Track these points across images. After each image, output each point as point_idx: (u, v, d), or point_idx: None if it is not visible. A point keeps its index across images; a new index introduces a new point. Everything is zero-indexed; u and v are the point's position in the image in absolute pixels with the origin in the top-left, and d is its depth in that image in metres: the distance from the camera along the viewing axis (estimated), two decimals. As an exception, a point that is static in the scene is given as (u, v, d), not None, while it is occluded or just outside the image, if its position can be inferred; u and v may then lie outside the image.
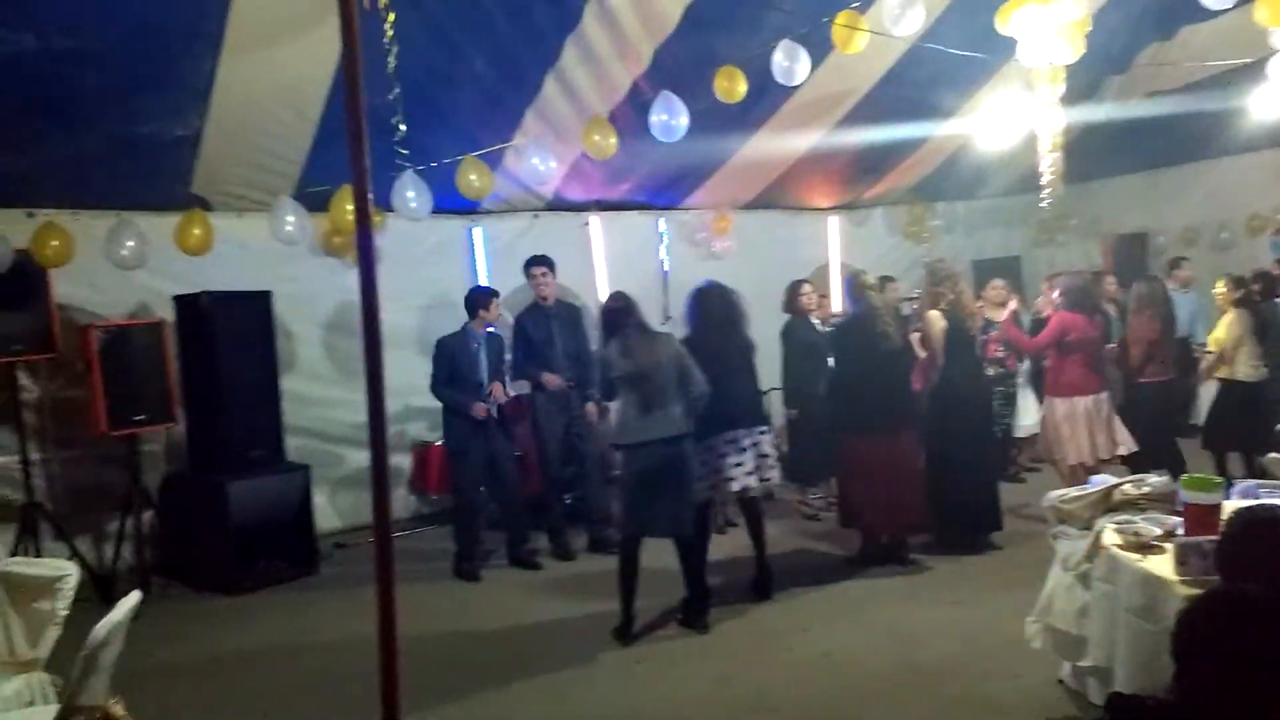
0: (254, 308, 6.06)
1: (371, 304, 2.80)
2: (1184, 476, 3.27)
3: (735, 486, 5.08)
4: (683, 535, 4.84)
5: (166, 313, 6.16)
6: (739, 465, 5.05)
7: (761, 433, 5.20)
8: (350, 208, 5.46)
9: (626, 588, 4.79)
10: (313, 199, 5.78)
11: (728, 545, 6.06)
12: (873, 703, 3.98)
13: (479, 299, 6.12)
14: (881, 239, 10.02)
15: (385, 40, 4.23)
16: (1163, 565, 3.05)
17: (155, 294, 6.25)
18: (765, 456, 5.18)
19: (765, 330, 7.60)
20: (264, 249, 6.15)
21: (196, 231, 5.53)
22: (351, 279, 6.83)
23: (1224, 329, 6.49)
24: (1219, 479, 3.23)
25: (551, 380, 6.22)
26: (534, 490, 6.79)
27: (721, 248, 8.84)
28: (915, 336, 6.24)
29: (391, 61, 4.27)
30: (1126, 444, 5.95)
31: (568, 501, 6.65)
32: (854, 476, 5.71)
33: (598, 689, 4.28)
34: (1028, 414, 7.43)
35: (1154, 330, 6.25)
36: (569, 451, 6.52)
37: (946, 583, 5.40)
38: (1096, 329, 6.16)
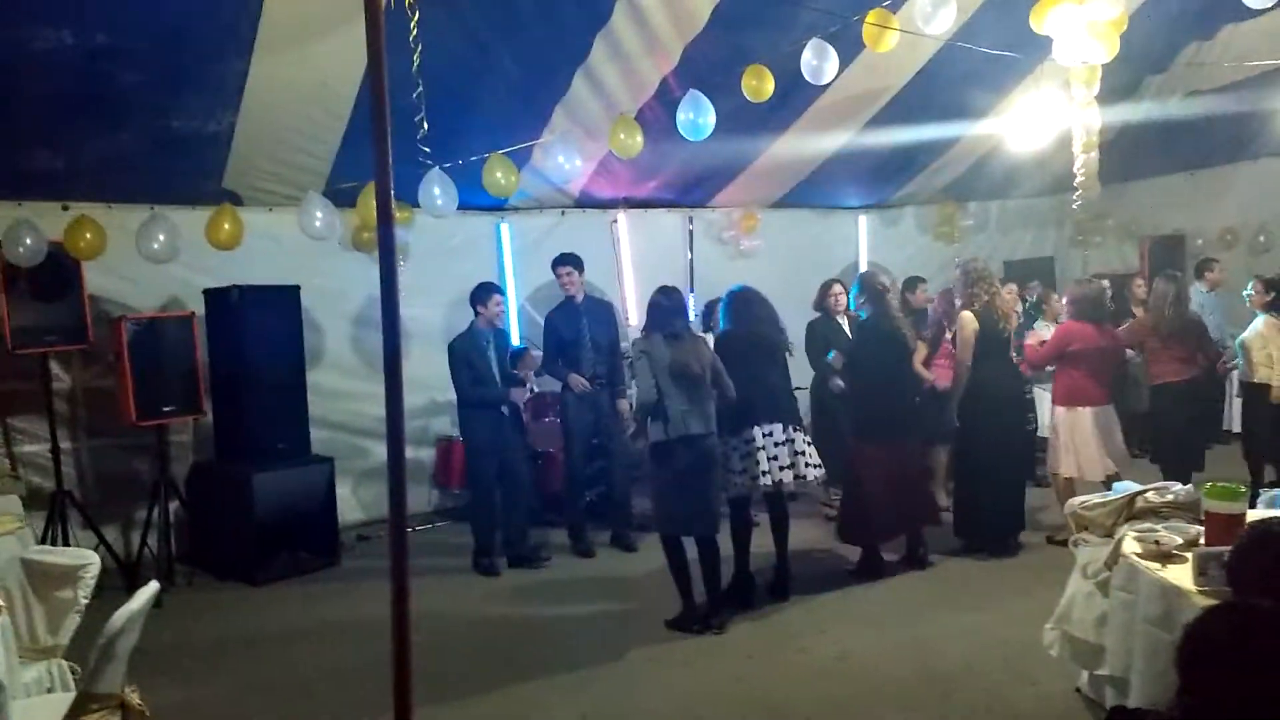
0: (282, 301, 6.14)
1: (391, 302, 2.85)
2: (1207, 485, 3.21)
3: (768, 480, 5.05)
4: (713, 534, 4.85)
5: (197, 306, 6.26)
6: (773, 459, 5.04)
7: (796, 429, 5.19)
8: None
9: (682, 578, 4.86)
10: (341, 195, 5.85)
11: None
12: (887, 707, 3.95)
13: (480, 295, 6.09)
14: (912, 238, 9.92)
15: (410, 39, 4.26)
16: (1182, 575, 2.99)
17: (186, 287, 6.36)
18: (801, 453, 5.15)
19: (793, 330, 7.61)
20: (294, 244, 6.21)
21: (227, 226, 5.60)
22: (379, 274, 6.87)
23: (1252, 333, 6.35)
24: (1242, 488, 3.16)
25: (577, 382, 6.23)
26: (556, 487, 6.84)
27: (749, 246, 8.81)
28: (928, 339, 6.23)
29: (416, 60, 4.29)
30: (1107, 466, 5.81)
31: (589, 499, 6.67)
32: (861, 484, 5.60)
33: (613, 686, 4.28)
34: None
35: (1146, 330, 6.23)
36: (595, 448, 6.55)
37: (967, 587, 5.35)
38: (1107, 338, 6.04)
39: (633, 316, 8.10)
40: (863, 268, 9.18)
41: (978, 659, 4.34)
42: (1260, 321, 6.34)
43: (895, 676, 4.23)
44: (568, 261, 6.42)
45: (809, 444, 5.22)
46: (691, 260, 8.69)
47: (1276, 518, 2.66)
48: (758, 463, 5.00)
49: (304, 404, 6.26)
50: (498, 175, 5.32)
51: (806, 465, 5.14)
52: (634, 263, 8.28)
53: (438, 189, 5.17)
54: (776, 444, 5.06)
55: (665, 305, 4.94)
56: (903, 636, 4.68)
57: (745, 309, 5.25)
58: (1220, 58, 7.67)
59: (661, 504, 4.89)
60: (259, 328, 6.01)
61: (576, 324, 6.37)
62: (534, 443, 6.98)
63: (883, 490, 5.50)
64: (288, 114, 5.81)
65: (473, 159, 5.40)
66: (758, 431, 5.04)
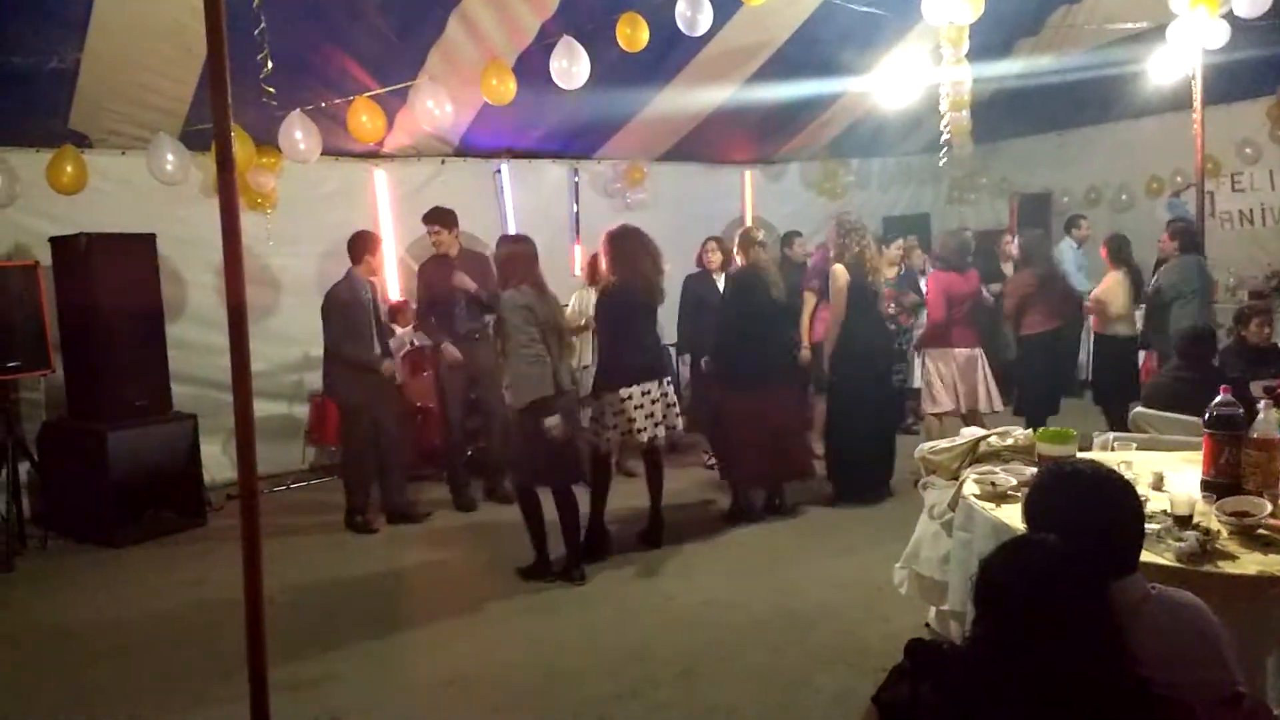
0: (136, 250, 5.81)
1: (235, 252, 2.73)
2: (1040, 430, 3.37)
3: (645, 437, 5.12)
4: (568, 486, 4.87)
5: (44, 255, 5.88)
6: (650, 416, 5.09)
7: (669, 382, 5.28)
8: (237, 147, 5.27)
9: (537, 528, 4.85)
10: (199, 138, 5.55)
11: (625, 494, 6.09)
12: (746, 646, 4.05)
13: (366, 244, 5.84)
14: (797, 194, 10.06)
15: (259, -29, 4.05)
16: (1014, 515, 3.13)
17: (32, 234, 5.98)
18: (672, 406, 5.25)
19: (679, 282, 7.66)
20: (150, 190, 5.89)
21: (69, 169, 5.28)
22: (245, 222, 6.57)
23: (1104, 289, 6.69)
24: (1072, 431, 3.33)
25: (450, 354, 6.09)
26: (434, 442, 6.74)
27: (635, 199, 8.78)
28: (816, 290, 6.34)
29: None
30: (994, 401, 6.14)
31: (469, 454, 6.60)
32: (731, 430, 5.75)
33: (477, 638, 4.28)
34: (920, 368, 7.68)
35: (1030, 284, 6.46)
36: (473, 403, 6.46)
37: (832, 533, 5.53)
38: (970, 284, 6.30)
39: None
40: (748, 223, 9.28)
41: (837, 600, 4.50)
42: (1110, 278, 6.66)
43: (757, 619, 4.35)
44: (434, 219, 6.20)
45: (673, 392, 5.31)
46: (578, 212, 8.62)
47: (1072, 458, 2.80)
48: (632, 420, 5.02)
49: (164, 358, 5.97)
50: (364, 119, 5.15)
51: (677, 416, 5.26)
52: (518, 214, 8.15)
53: (299, 133, 4.98)
54: (653, 401, 5.10)
55: (529, 254, 4.79)
56: (767, 581, 4.80)
57: (630, 258, 5.07)
58: (1087, 21, 7.95)
59: (523, 456, 4.83)
60: (111, 278, 5.67)
61: (450, 278, 6.24)
62: (412, 398, 6.86)
63: (753, 439, 5.61)
64: (138, 51, 5.47)
65: (337, 101, 5.19)
66: (636, 390, 5.05)
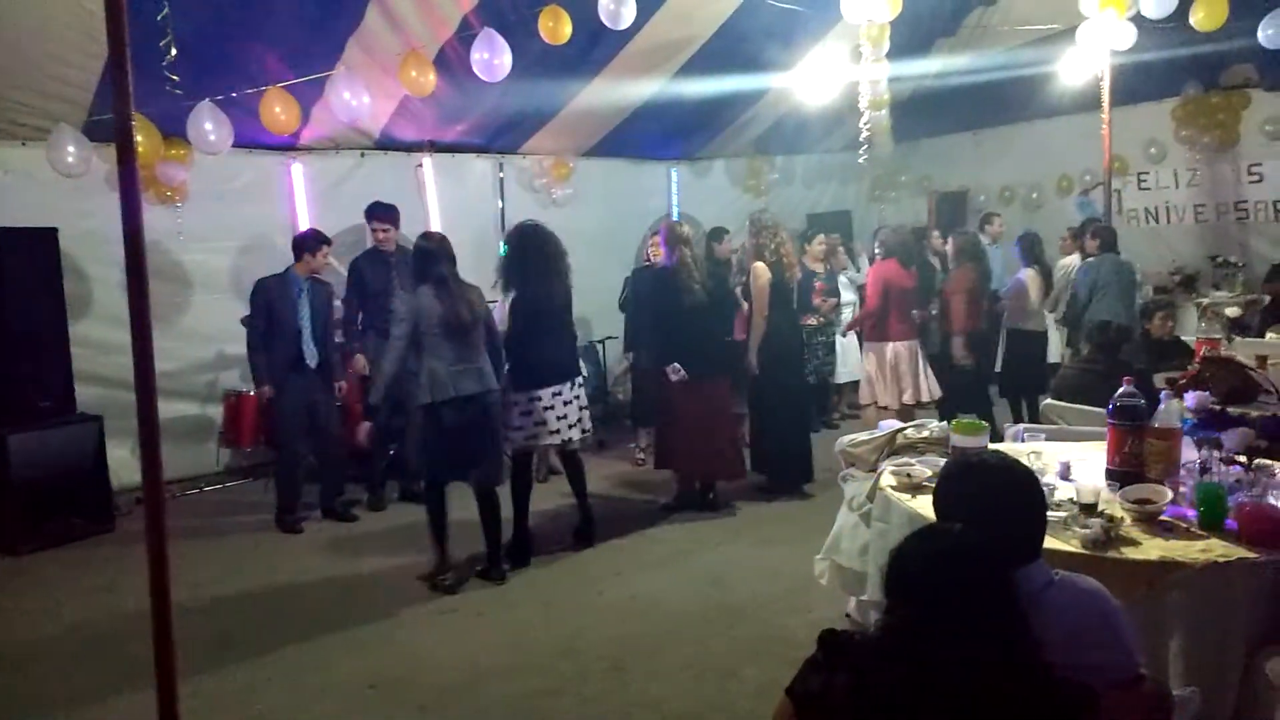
0: (37, 245, 5.57)
1: (137, 248, 2.62)
2: (953, 421, 3.44)
3: (557, 440, 5.09)
4: (491, 486, 4.80)
5: (-64, 249, 5.59)
6: (562, 418, 5.05)
7: (581, 384, 5.25)
8: (142, 139, 5.08)
9: (438, 533, 4.78)
10: (103, 129, 5.33)
11: (552, 494, 6.07)
12: (674, 640, 4.08)
13: (308, 243, 5.77)
14: (723, 190, 10.12)
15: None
16: (929, 505, 3.20)
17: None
18: (585, 408, 5.24)
19: (608, 279, 7.65)
20: (52, 183, 5.64)
21: (-37, 160, 5.01)
22: (153, 217, 6.38)
23: (1021, 285, 6.89)
24: (984, 423, 3.42)
25: (358, 365, 6.08)
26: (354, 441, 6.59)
27: (561, 195, 8.73)
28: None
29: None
30: (933, 391, 6.30)
31: (391, 453, 6.48)
32: (666, 421, 5.82)
33: (401, 641, 4.21)
34: (846, 362, 7.79)
35: (972, 280, 6.59)
36: (396, 404, 6.33)
37: (760, 525, 5.59)
38: (912, 280, 6.43)
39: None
40: (674, 219, 9.31)
41: (763, 592, 4.55)
42: (1024, 273, 6.87)
43: (686, 612, 4.38)
44: (386, 218, 6.16)
45: (585, 393, 5.31)
46: (503, 208, 8.52)
47: (977, 449, 2.88)
48: (544, 423, 4.98)
49: (67, 358, 5.74)
50: (277, 110, 5.01)
51: (589, 419, 5.27)
52: (442, 210, 8.02)
53: (209, 124, 4.82)
54: (565, 403, 5.06)
55: (431, 250, 4.68)
56: (695, 575, 4.84)
57: (541, 259, 4.98)
58: (1002, 22, 8.17)
59: (428, 453, 4.74)
60: (11, 274, 5.44)
61: (386, 275, 6.12)
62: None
63: (683, 434, 5.66)
64: (38, 37, 5.21)
65: (248, 91, 5.03)
66: (547, 392, 4.99)
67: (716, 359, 5.82)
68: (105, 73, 5.50)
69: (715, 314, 5.84)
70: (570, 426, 5.09)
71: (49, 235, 5.63)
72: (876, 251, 6.66)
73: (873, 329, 6.39)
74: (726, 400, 5.92)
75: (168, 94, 4.67)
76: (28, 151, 5.94)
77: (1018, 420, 6.49)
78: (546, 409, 4.99)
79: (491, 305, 5.13)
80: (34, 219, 5.70)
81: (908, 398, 6.23)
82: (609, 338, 8.06)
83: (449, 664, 3.95)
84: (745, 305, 6.49)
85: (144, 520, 2.37)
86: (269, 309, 5.63)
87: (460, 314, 4.58)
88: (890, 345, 6.29)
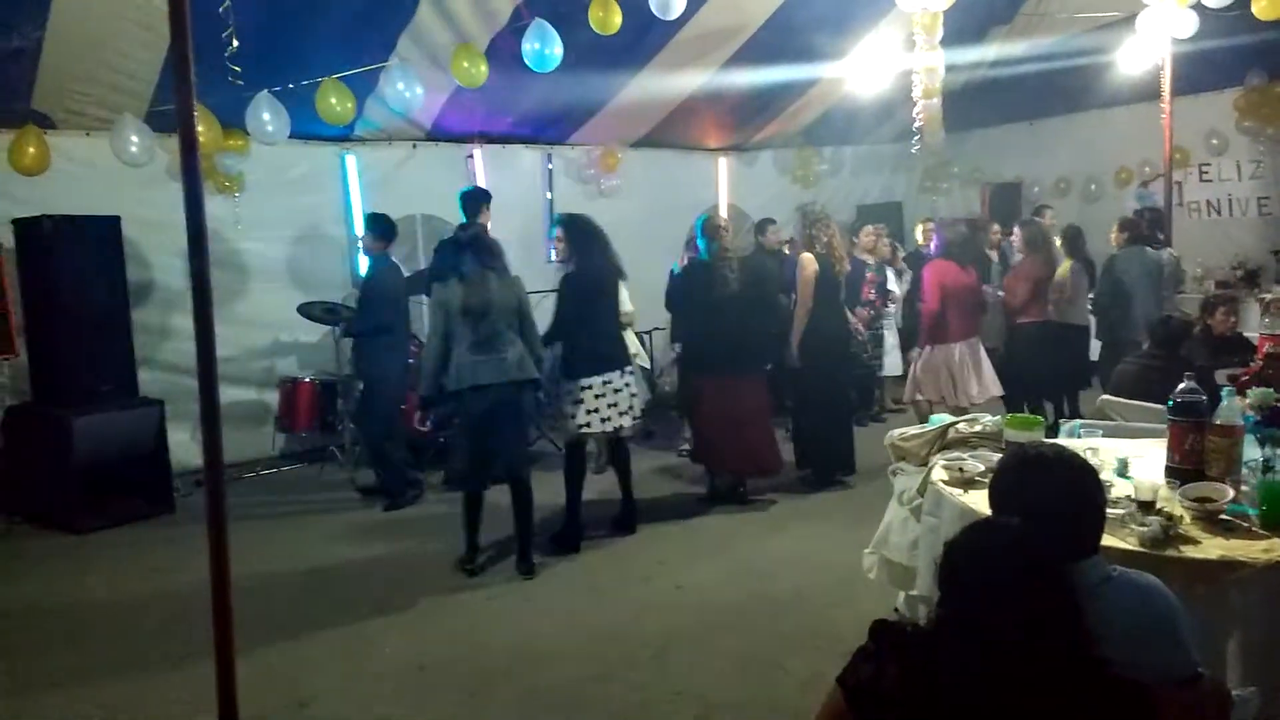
0: (101, 233, 5.72)
1: (200, 236, 2.69)
2: (1008, 416, 3.40)
3: (609, 427, 5.10)
4: (518, 477, 4.81)
5: (7, 237, 5.78)
6: (613, 405, 5.07)
7: (631, 371, 5.26)
8: (203, 129, 5.19)
9: (470, 523, 4.84)
10: (164, 119, 5.46)
11: (593, 481, 6.09)
12: (719, 630, 4.08)
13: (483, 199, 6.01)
14: (771, 181, 10.07)
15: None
16: (980, 500, 3.16)
17: (-5, 217, 5.86)
18: (635, 395, 5.24)
19: (654, 270, 7.64)
20: (115, 172, 5.80)
21: (31, 150, 5.19)
22: (212, 206, 6.50)
23: (1060, 276, 6.74)
24: (1039, 418, 3.36)
25: None
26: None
27: (609, 185, 8.75)
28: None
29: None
30: (993, 388, 6.17)
31: (441, 440, 6.58)
32: (701, 416, 5.77)
33: (450, 624, 4.27)
34: (892, 355, 7.70)
35: (1043, 269, 6.47)
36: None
37: (804, 518, 5.56)
38: (970, 276, 6.32)
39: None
40: (723, 210, 9.29)
41: (808, 585, 4.53)
42: (1066, 266, 6.72)
43: (730, 603, 4.38)
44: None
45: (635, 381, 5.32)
46: (551, 199, 8.57)
47: (1034, 441, 2.83)
48: (596, 410, 5.00)
49: (129, 343, 5.89)
50: (332, 101, 5.09)
51: (639, 406, 5.28)
52: (493, 201, 8.07)
53: (267, 114, 4.91)
54: (615, 390, 5.08)
55: (458, 242, 4.74)
56: (739, 566, 4.84)
57: (591, 243, 5.04)
58: (1059, 10, 8.01)
59: (460, 445, 4.82)
60: (75, 261, 5.60)
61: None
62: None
63: (717, 428, 5.63)
64: (103, 30, 5.36)
65: (305, 84, 5.11)
66: (597, 380, 5.01)
67: (752, 353, 5.77)
68: (167, 63, 5.64)
69: (753, 307, 5.71)
70: (621, 414, 5.10)
71: (112, 223, 5.78)
72: (936, 249, 6.54)
73: (931, 329, 6.30)
74: (762, 396, 5.86)
75: (227, 85, 4.76)
76: (91, 141, 6.11)
77: (1058, 416, 6.38)
78: (599, 397, 5.02)
79: (535, 296, 5.16)
80: (97, 207, 5.86)
81: (976, 394, 6.11)
82: (656, 329, 8.06)
83: (497, 648, 4.00)
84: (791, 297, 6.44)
85: (204, 502, 2.44)
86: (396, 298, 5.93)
87: (478, 303, 4.55)
88: (951, 346, 6.17)
